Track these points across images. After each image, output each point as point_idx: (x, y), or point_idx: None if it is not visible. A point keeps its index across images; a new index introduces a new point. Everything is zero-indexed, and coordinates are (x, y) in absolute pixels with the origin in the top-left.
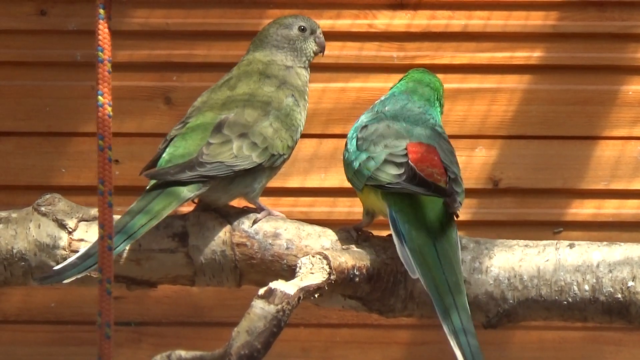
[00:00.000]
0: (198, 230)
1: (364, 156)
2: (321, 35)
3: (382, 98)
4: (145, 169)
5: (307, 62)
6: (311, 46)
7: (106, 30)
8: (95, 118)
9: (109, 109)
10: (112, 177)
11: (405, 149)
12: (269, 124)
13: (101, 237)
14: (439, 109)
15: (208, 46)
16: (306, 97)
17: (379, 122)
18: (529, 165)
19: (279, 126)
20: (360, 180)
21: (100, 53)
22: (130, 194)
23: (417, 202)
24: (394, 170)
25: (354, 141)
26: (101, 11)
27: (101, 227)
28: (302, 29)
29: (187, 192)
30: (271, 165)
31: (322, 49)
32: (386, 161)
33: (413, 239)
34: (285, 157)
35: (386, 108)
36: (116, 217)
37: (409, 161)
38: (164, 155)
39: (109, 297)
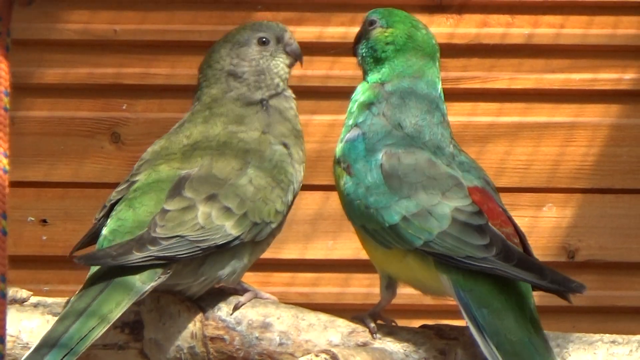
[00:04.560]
0: (157, 318)
1: (410, 206)
2: (292, 40)
3: (374, 94)
4: (79, 248)
5: (282, 85)
6: (281, 60)
7: (2, 51)
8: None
9: (5, 161)
10: (5, 257)
11: (474, 201)
12: (248, 180)
13: None
14: (441, 92)
15: (172, 62)
16: (302, 140)
17: (411, 149)
18: (618, 230)
19: (262, 183)
20: (399, 240)
21: None
22: (63, 266)
23: (496, 279)
24: (474, 239)
25: (377, 173)
26: None
27: None
28: (264, 41)
29: (140, 283)
30: (254, 238)
31: (296, 56)
32: (457, 222)
33: (499, 332)
34: (273, 225)
35: (397, 118)
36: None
37: (489, 223)
38: (104, 232)
39: None
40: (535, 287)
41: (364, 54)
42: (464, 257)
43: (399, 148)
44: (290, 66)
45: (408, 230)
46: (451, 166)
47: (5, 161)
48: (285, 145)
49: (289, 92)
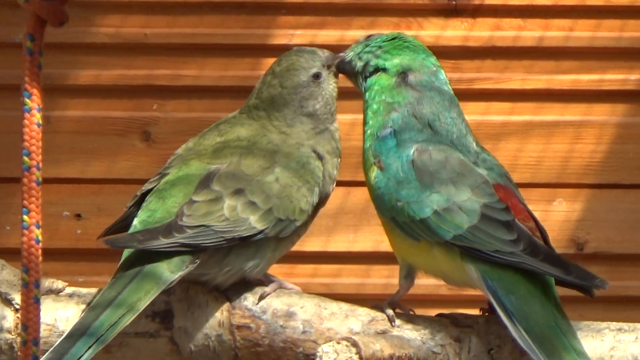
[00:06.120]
0: (186, 307)
1: (441, 201)
2: (324, 54)
3: (407, 99)
4: (108, 233)
5: (335, 107)
6: (333, 83)
7: (35, 69)
8: (45, 159)
9: (38, 173)
10: (39, 264)
11: (501, 199)
12: (275, 178)
13: (24, 343)
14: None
15: (200, 64)
16: (339, 155)
17: (441, 146)
18: (624, 224)
19: (288, 182)
20: (429, 233)
21: (27, 100)
22: (97, 259)
23: (522, 269)
24: (503, 234)
25: (408, 168)
26: (28, 44)
27: (24, 329)
28: (318, 75)
29: (169, 272)
30: (278, 234)
31: (334, 62)
32: (485, 217)
33: (528, 317)
34: (297, 224)
35: (427, 118)
36: (83, 290)
37: (516, 220)
38: (135, 222)
39: None
40: (558, 281)
41: (369, 51)
42: (493, 251)
43: (429, 145)
44: (336, 77)
45: (439, 223)
46: (477, 164)
47: (38, 174)
48: (319, 156)
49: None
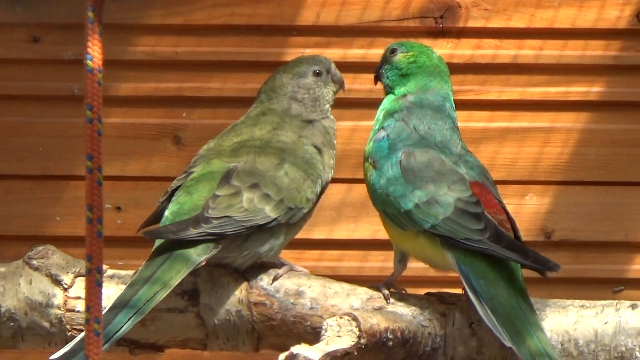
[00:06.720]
0: (211, 287)
1: (422, 195)
2: (336, 71)
3: (398, 104)
4: (145, 225)
5: (329, 108)
6: (330, 88)
7: (96, 35)
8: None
9: (99, 125)
10: (102, 202)
11: (474, 194)
12: (284, 172)
13: (88, 271)
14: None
15: (223, 78)
16: (334, 147)
17: (426, 149)
18: (586, 215)
19: (296, 176)
20: (412, 223)
21: (89, 62)
22: (134, 245)
23: (491, 257)
24: (472, 224)
25: (396, 168)
26: (90, 14)
27: (88, 259)
28: (318, 73)
29: (196, 255)
30: (288, 220)
31: (341, 84)
32: (458, 210)
33: (493, 298)
34: (305, 211)
35: (415, 124)
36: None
37: (485, 211)
38: (166, 213)
39: (97, 337)
40: (521, 265)
41: (389, 75)
42: (463, 238)
43: (415, 148)
44: (335, 93)
45: (419, 215)
46: (457, 164)
47: (99, 125)
48: (318, 150)
49: (332, 116)
